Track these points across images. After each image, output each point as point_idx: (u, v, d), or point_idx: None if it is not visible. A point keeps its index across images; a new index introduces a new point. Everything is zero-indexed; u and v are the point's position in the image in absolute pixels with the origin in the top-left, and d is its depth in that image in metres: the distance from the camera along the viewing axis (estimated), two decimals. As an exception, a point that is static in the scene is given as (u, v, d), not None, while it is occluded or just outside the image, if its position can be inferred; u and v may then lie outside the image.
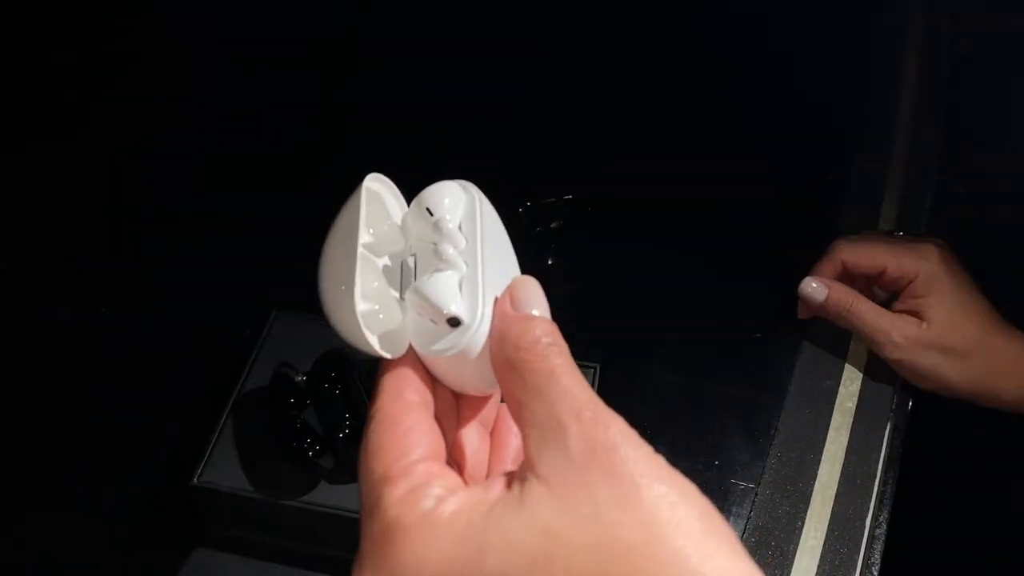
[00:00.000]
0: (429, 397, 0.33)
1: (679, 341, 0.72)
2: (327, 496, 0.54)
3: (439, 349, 0.33)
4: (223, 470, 0.55)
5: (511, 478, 0.29)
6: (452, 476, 0.30)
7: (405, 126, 0.86)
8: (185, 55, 0.90)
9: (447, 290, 0.33)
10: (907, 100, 0.89)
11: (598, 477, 0.27)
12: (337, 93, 0.90)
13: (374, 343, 0.33)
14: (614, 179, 0.83)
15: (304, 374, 0.58)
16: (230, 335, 0.67)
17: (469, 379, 0.34)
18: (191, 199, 0.79)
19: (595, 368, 0.62)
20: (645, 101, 0.89)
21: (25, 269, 0.73)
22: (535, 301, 0.33)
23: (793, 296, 0.68)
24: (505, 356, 0.31)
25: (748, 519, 0.62)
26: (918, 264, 0.65)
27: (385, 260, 0.37)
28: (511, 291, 0.33)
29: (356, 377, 0.56)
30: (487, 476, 0.35)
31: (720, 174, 0.82)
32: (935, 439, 0.71)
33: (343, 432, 0.54)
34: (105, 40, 0.91)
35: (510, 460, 0.35)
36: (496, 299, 0.33)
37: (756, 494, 0.63)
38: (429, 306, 0.33)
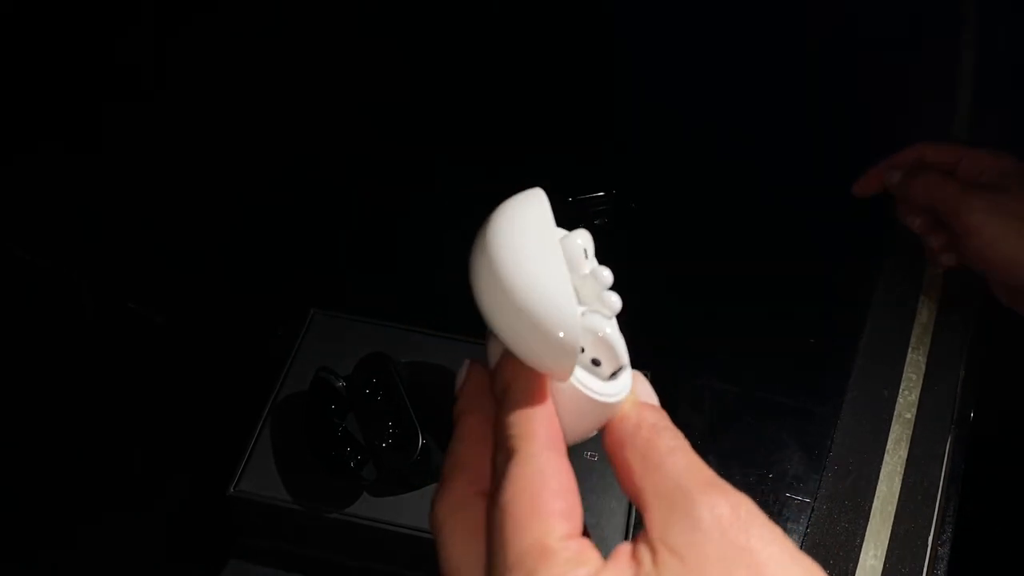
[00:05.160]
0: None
1: (731, 348, 0.69)
2: (368, 508, 0.52)
3: (604, 392, 0.31)
4: (260, 480, 0.52)
5: (633, 549, 0.29)
6: (593, 553, 0.28)
7: (441, 117, 0.83)
8: (215, 58, 0.88)
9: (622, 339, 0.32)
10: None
11: (732, 554, 0.27)
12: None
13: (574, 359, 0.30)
14: (662, 177, 0.80)
15: (344, 379, 0.55)
16: (265, 335, 0.65)
17: (588, 426, 0.32)
18: (221, 193, 0.77)
19: (646, 376, 0.59)
20: (700, 101, 0.86)
21: (50, 263, 0.71)
22: (650, 394, 0.34)
23: (847, 301, 0.65)
24: (623, 435, 0.31)
25: (805, 535, 0.59)
26: (995, 158, 0.65)
27: None
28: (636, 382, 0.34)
29: (400, 383, 0.53)
30: None
31: (775, 176, 0.79)
32: (999, 451, 0.68)
33: (386, 442, 0.52)
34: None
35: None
36: None
37: (813, 509, 0.60)
38: (610, 349, 0.31)
